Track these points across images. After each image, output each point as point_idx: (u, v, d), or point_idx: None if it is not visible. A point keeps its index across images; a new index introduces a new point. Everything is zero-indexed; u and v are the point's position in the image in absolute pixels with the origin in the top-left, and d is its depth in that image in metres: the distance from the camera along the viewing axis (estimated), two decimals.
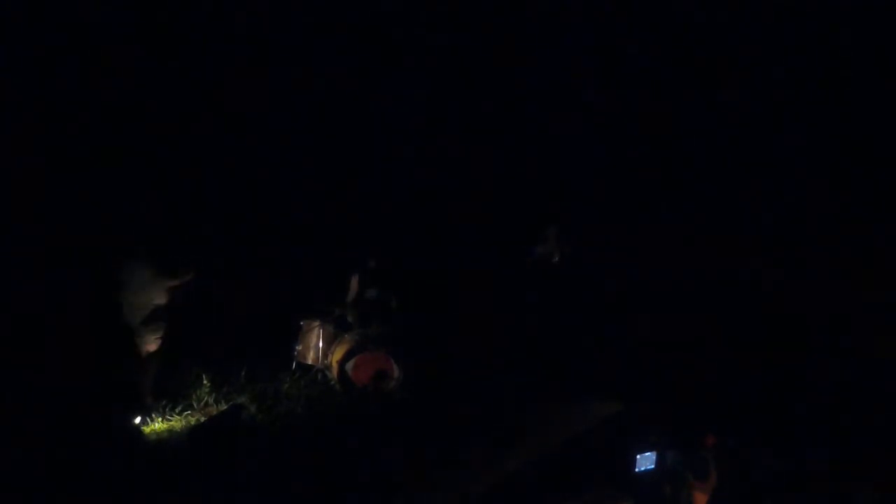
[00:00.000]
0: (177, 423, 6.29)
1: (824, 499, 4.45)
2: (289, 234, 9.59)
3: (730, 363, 6.92)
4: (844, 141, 9.57)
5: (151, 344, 6.24)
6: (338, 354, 7.08)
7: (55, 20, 8.43)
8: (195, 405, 6.57)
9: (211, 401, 6.65)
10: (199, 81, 9.61)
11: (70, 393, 5.95)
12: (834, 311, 7.74)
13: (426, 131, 10.70)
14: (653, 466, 3.90)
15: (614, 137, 10.66)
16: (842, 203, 9.16)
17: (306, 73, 10.27)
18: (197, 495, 4.94)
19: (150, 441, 5.96)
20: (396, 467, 5.20)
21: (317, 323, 7.41)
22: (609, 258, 8.94)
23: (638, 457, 3.89)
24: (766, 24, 10.16)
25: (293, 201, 10.00)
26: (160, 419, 6.29)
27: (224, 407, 6.41)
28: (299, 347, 7.45)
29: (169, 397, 6.54)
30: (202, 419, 6.28)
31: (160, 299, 6.21)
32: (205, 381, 6.83)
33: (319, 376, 7.34)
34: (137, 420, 6.16)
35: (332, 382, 7.17)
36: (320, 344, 7.37)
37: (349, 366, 6.94)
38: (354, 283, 7.69)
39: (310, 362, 7.40)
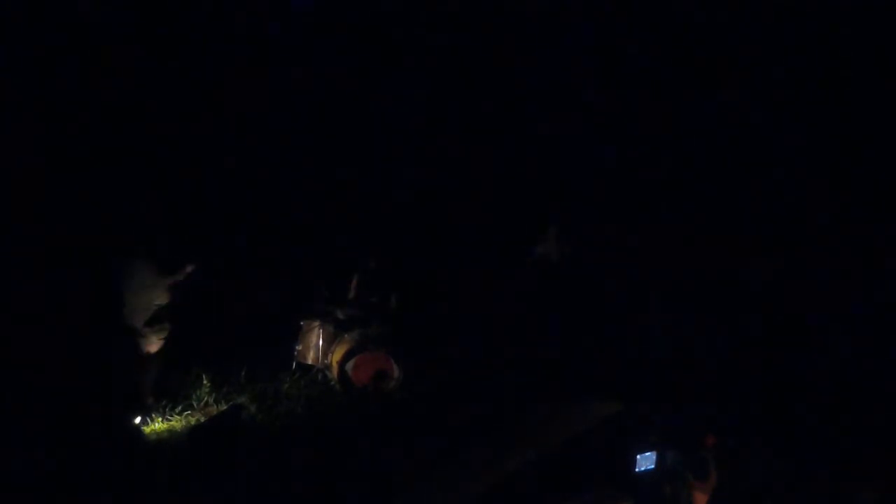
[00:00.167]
0: (177, 423, 6.29)
1: (824, 499, 4.44)
2: (289, 234, 9.59)
3: (730, 363, 6.92)
4: (844, 141, 9.57)
5: (154, 344, 6.24)
6: (338, 354, 7.08)
7: (55, 20, 8.43)
8: (195, 405, 6.57)
9: (211, 401, 6.66)
10: (199, 81, 9.61)
11: (70, 393, 5.95)
12: (834, 311, 7.73)
13: (426, 131, 10.70)
14: (653, 466, 3.90)
15: (614, 137, 10.66)
16: (842, 203, 9.16)
17: (306, 73, 10.27)
18: (197, 495, 4.94)
19: (150, 441, 5.96)
20: (396, 467, 5.20)
21: (317, 323, 7.41)
22: (609, 258, 8.93)
23: (638, 457, 3.89)
24: (766, 24, 10.16)
25: (293, 201, 10.00)
26: (160, 419, 6.29)
27: (224, 407, 6.42)
28: (299, 347, 7.45)
29: (169, 397, 6.54)
30: (202, 419, 6.28)
31: (162, 299, 6.21)
32: (205, 381, 6.83)
33: (319, 376, 7.35)
34: (137, 420, 6.16)
35: (332, 382, 7.17)
36: (320, 344, 7.37)
37: (349, 366, 6.94)
38: (354, 282, 7.70)
39: (310, 362, 7.40)
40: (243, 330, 7.88)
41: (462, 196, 10.43)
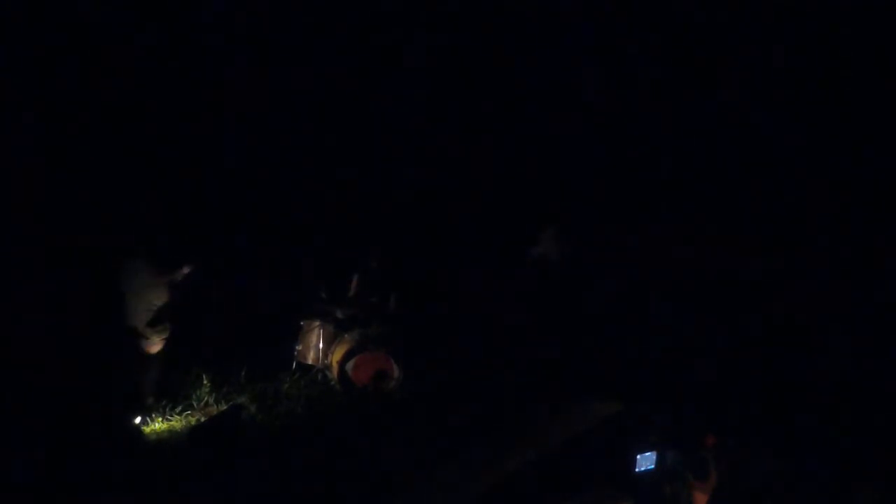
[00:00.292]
0: (177, 423, 6.29)
1: (824, 499, 4.44)
2: (289, 234, 9.59)
3: (730, 363, 6.92)
4: (844, 141, 9.57)
5: (155, 345, 6.25)
6: (338, 354, 7.09)
7: (55, 20, 8.43)
8: (195, 405, 6.58)
9: (211, 401, 6.66)
10: (199, 81, 9.61)
11: (70, 393, 5.95)
12: (834, 311, 7.73)
13: (426, 131, 10.70)
14: (653, 466, 3.90)
15: (614, 137, 10.66)
16: (842, 203, 9.15)
17: (306, 73, 10.27)
18: (197, 495, 4.94)
19: (150, 441, 5.96)
20: (396, 467, 5.20)
21: (317, 323, 7.41)
22: (609, 258, 8.93)
23: (638, 457, 3.89)
24: (766, 24, 10.15)
25: (293, 201, 10.00)
26: (160, 419, 6.30)
27: (224, 407, 6.42)
28: (299, 347, 7.45)
29: (169, 397, 6.55)
30: (202, 419, 6.28)
31: (162, 299, 6.21)
32: (205, 381, 6.83)
33: (319, 376, 7.35)
34: (137, 420, 6.16)
35: (332, 382, 7.17)
36: (320, 344, 7.37)
37: (349, 366, 6.94)
38: (354, 282, 7.70)
39: (310, 362, 7.40)
40: (243, 330, 7.88)
41: (462, 196, 10.43)
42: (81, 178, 8.21)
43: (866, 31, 9.56)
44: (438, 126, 10.77)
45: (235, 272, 8.77)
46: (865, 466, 4.83)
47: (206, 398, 6.68)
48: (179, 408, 6.47)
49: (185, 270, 6.35)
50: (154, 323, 6.18)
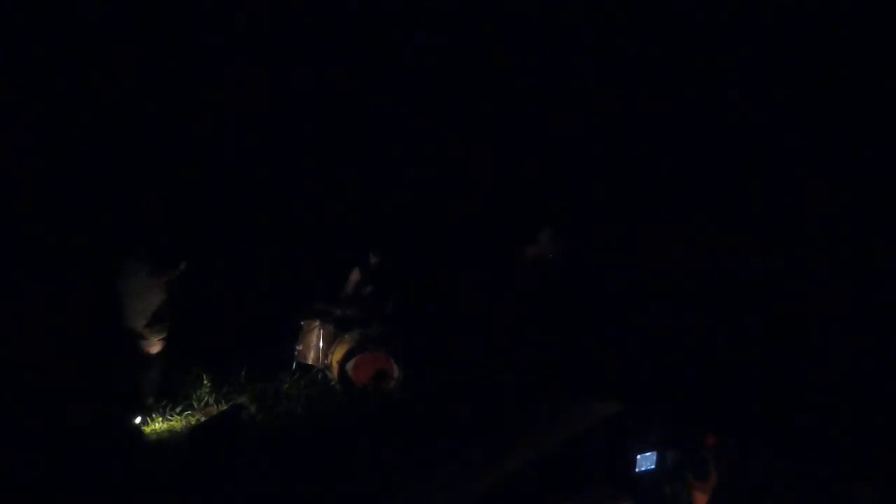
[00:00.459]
0: (177, 423, 6.29)
1: (824, 499, 4.44)
2: (288, 234, 9.59)
3: (730, 363, 6.92)
4: (844, 141, 9.57)
5: (155, 345, 6.25)
6: (338, 354, 7.08)
7: (55, 20, 8.43)
8: (195, 405, 6.57)
9: (211, 401, 6.66)
10: (199, 81, 9.61)
11: (70, 393, 5.95)
12: (834, 311, 7.73)
13: (426, 131, 10.70)
14: (653, 466, 3.90)
15: (614, 137, 10.66)
16: (842, 203, 9.15)
17: (306, 73, 10.27)
18: (197, 495, 4.94)
19: (150, 441, 5.96)
20: (396, 467, 5.20)
21: (317, 323, 7.41)
22: (609, 258, 8.93)
23: (638, 457, 3.89)
24: (766, 24, 10.15)
25: (293, 201, 10.00)
26: (160, 419, 6.29)
27: (224, 407, 6.42)
28: (299, 347, 7.45)
29: (169, 397, 6.54)
30: (202, 419, 6.28)
31: (162, 299, 6.21)
32: (205, 381, 6.83)
33: (319, 376, 7.35)
34: (137, 420, 6.16)
35: (332, 382, 7.17)
36: (320, 344, 7.37)
37: (349, 366, 6.94)
38: (354, 282, 7.70)
39: (310, 362, 7.40)
40: (243, 330, 7.88)
41: (462, 196, 10.43)
42: (81, 178, 8.21)
43: (866, 31, 9.56)
44: (438, 126, 10.77)
45: (235, 272, 8.77)
46: (865, 466, 4.83)
47: (206, 398, 6.68)
48: (179, 408, 6.47)
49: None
50: (152, 323, 6.18)
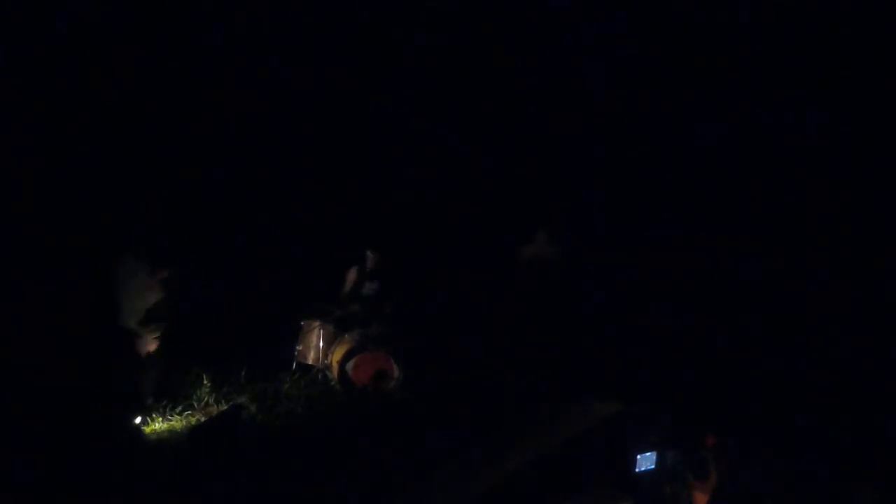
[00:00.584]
0: (177, 423, 6.29)
1: (824, 499, 4.44)
2: (288, 234, 9.59)
3: (730, 363, 6.92)
4: (844, 141, 9.57)
5: (150, 344, 6.25)
6: (338, 354, 7.09)
7: (55, 20, 8.43)
8: (195, 405, 6.57)
9: (211, 401, 6.66)
10: (200, 81, 9.61)
11: (70, 393, 5.95)
12: (834, 311, 7.73)
13: (426, 131, 10.70)
14: (653, 466, 3.90)
15: (614, 137, 10.66)
16: (842, 203, 9.16)
17: (306, 73, 10.27)
18: (197, 495, 4.94)
19: (150, 441, 5.96)
20: (396, 467, 5.20)
21: (317, 323, 7.41)
22: (609, 258, 8.93)
23: (638, 457, 3.89)
24: (766, 24, 10.15)
25: (293, 201, 10.00)
26: (160, 419, 6.29)
27: (224, 407, 6.42)
28: (299, 347, 7.45)
29: (169, 397, 6.54)
30: (202, 419, 6.28)
31: (162, 299, 6.22)
32: (205, 381, 6.83)
33: (319, 376, 7.35)
34: (137, 420, 6.16)
35: (332, 382, 7.17)
36: (320, 344, 7.37)
37: (349, 366, 6.94)
38: (352, 281, 7.70)
39: (310, 362, 7.40)
40: (243, 330, 7.88)
41: (462, 196, 10.43)
42: (81, 178, 8.21)
43: (866, 30, 9.56)
44: (438, 126, 10.77)
45: (235, 272, 8.77)
46: (865, 466, 4.83)
47: (206, 398, 6.68)
48: (179, 408, 6.47)
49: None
50: (147, 322, 6.19)
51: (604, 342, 7.56)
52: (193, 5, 9.64)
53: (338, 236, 9.22)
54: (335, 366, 7.07)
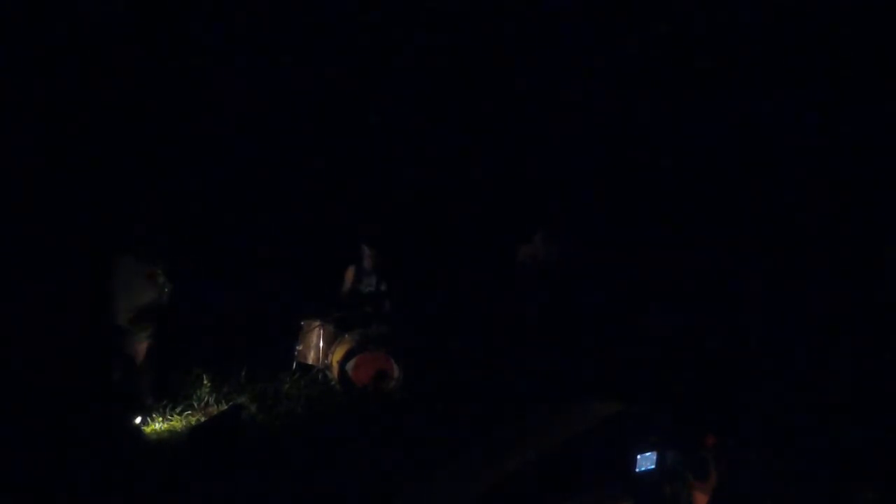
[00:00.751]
0: (177, 423, 6.29)
1: (824, 499, 4.45)
2: (288, 234, 9.59)
3: (730, 363, 6.92)
4: (844, 141, 9.57)
5: (154, 344, 6.26)
6: (338, 354, 7.09)
7: (55, 20, 8.43)
8: (195, 405, 6.58)
9: (211, 401, 6.66)
10: (199, 81, 9.61)
11: (70, 393, 5.95)
12: (834, 311, 7.73)
13: (426, 131, 10.70)
14: (653, 466, 3.90)
15: (614, 137, 10.66)
16: (842, 203, 9.16)
17: (306, 73, 10.27)
18: (197, 495, 4.94)
19: (150, 441, 5.96)
20: (396, 467, 5.20)
21: (317, 323, 7.42)
22: (609, 258, 8.93)
23: (638, 457, 3.89)
24: (766, 24, 10.16)
25: (293, 201, 10.00)
26: (160, 419, 6.30)
27: (224, 407, 6.42)
28: (299, 347, 7.45)
29: (169, 397, 6.55)
30: (202, 419, 6.28)
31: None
32: (205, 381, 6.84)
33: (320, 376, 7.35)
34: (137, 420, 6.16)
35: (332, 382, 7.17)
36: (320, 344, 7.37)
37: (349, 366, 6.95)
38: (351, 280, 7.70)
39: (310, 362, 7.40)
40: (243, 330, 7.89)
41: (462, 196, 10.43)
42: (81, 178, 8.21)
43: (866, 30, 9.56)
44: (438, 126, 10.77)
45: (235, 272, 8.77)
46: (865, 466, 4.83)
47: (206, 398, 6.68)
48: (179, 408, 6.47)
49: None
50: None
51: (604, 342, 7.56)
52: (193, 5, 9.63)
53: (338, 236, 9.22)
54: (335, 366, 7.07)
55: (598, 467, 4.31)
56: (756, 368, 6.78)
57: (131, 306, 6.21)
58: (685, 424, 4.32)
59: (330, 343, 7.31)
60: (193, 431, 5.80)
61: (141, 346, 6.27)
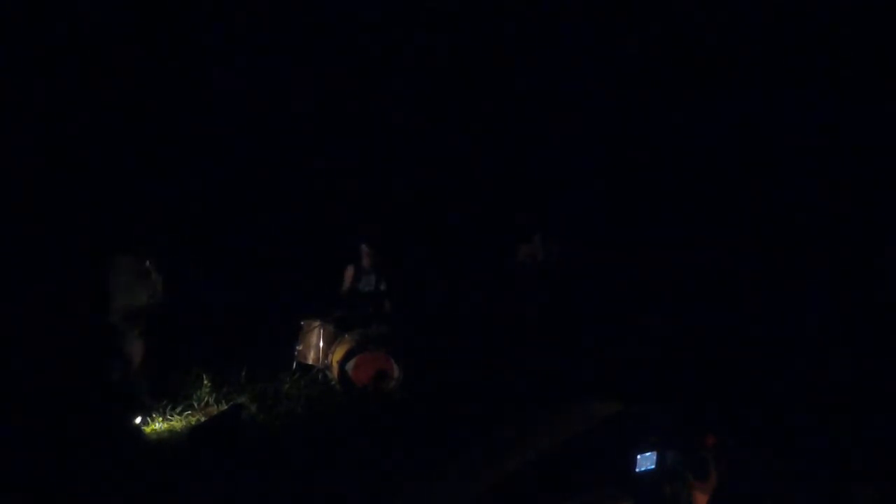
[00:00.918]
0: (177, 423, 6.29)
1: (824, 499, 4.44)
2: (288, 234, 9.60)
3: (730, 363, 6.92)
4: (844, 141, 9.57)
5: (142, 343, 6.26)
6: (338, 354, 7.09)
7: (55, 20, 8.43)
8: (195, 405, 6.57)
9: (211, 401, 6.66)
10: (199, 81, 9.61)
11: (70, 393, 5.95)
12: (834, 310, 7.74)
13: (426, 131, 10.70)
14: (653, 466, 3.89)
15: (614, 137, 10.66)
16: (842, 203, 9.16)
17: (306, 73, 10.27)
18: (197, 495, 4.94)
19: (150, 441, 5.96)
20: (396, 467, 5.20)
21: (317, 323, 7.41)
22: (609, 258, 8.93)
23: (638, 457, 3.88)
24: (766, 24, 10.16)
25: (293, 201, 10.00)
26: (160, 419, 6.30)
27: (224, 407, 6.42)
28: (299, 347, 7.45)
29: (169, 397, 6.55)
30: (202, 419, 6.28)
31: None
32: (205, 381, 6.83)
33: (320, 376, 7.35)
34: (137, 420, 6.16)
35: (332, 382, 7.17)
36: (320, 344, 7.37)
37: (349, 366, 6.94)
38: (350, 279, 7.70)
39: (310, 362, 7.40)
40: (243, 330, 7.89)
41: (462, 196, 10.43)
42: (81, 178, 8.21)
43: (867, 30, 9.56)
44: (438, 126, 10.77)
45: (235, 272, 8.77)
46: (865, 466, 4.83)
47: (206, 398, 6.68)
48: (179, 408, 6.47)
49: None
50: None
51: (604, 342, 7.56)
52: (193, 5, 9.63)
53: (338, 236, 9.22)
54: (335, 366, 7.07)
55: (598, 467, 4.31)
56: (756, 368, 6.78)
57: (131, 306, 6.22)
58: (685, 424, 4.31)
59: (330, 343, 7.31)
60: (193, 431, 5.80)
61: (140, 346, 6.27)
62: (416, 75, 10.67)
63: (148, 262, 6.35)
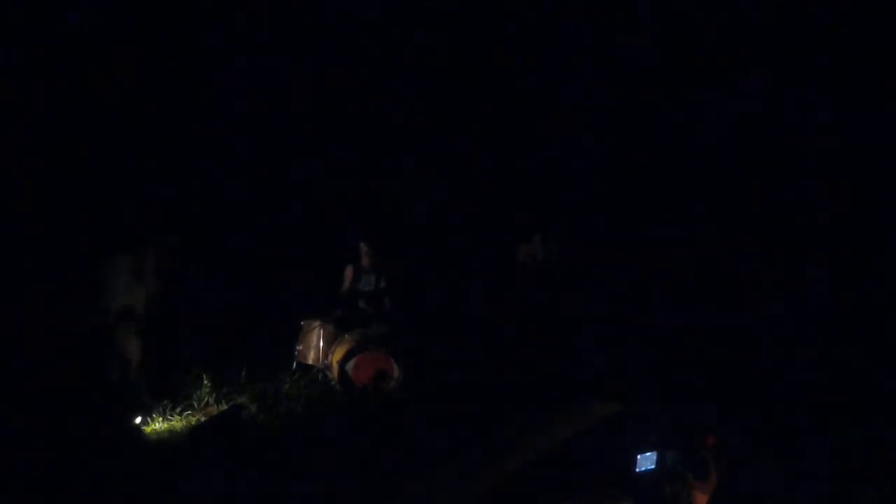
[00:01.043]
0: (177, 423, 6.29)
1: (824, 499, 4.44)
2: (288, 234, 9.60)
3: (730, 363, 6.92)
4: (845, 141, 9.57)
5: (141, 343, 6.27)
6: (338, 354, 7.08)
7: (55, 20, 8.43)
8: (195, 405, 6.57)
9: (211, 401, 6.66)
10: (200, 81, 9.61)
11: (70, 393, 5.95)
12: (834, 310, 7.74)
13: (426, 132, 10.70)
14: (653, 466, 3.89)
15: (614, 137, 10.66)
16: (842, 203, 9.16)
17: (306, 73, 10.27)
18: (197, 495, 4.94)
19: (150, 441, 5.96)
20: (396, 467, 5.20)
21: (317, 323, 7.41)
22: (609, 258, 8.93)
23: (638, 457, 3.88)
24: (766, 24, 10.16)
25: (293, 201, 10.00)
26: (160, 419, 6.30)
27: (224, 407, 6.42)
28: (299, 347, 7.45)
29: (169, 397, 6.55)
30: (202, 419, 6.28)
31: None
32: (205, 381, 6.83)
33: (320, 376, 7.35)
34: (137, 420, 6.16)
35: (332, 382, 7.17)
36: (320, 344, 7.37)
37: (349, 366, 6.94)
38: (350, 278, 7.70)
39: (310, 362, 7.40)
40: (243, 330, 7.88)
41: (462, 196, 10.43)
42: (81, 178, 8.21)
43: (867, 30, 9.57)
44: (438, 126, 10.77)
45: (235, 272, 8.77)
46: (865, 466, 4.83)
47: (206, 398, 6.67)
48: (179, 408, 6.47)
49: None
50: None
51: (604, 342, 7.56)
52: (193, 5, 9.64)
53: (338, 236, 9.22)
54: (335, 366, 7.07)
55: (598, 467, 4.31)
56: (756, 368, 6.78)
57: (131, 306, 6.22)
58: (685, 424, 4.31)
59: (330, 343, 7.31)
60: (193, 431, 5.80)
61: (140, 346, 6.27)
62: (416, 75, 10.67)
63: (147, 262, 6.34)
